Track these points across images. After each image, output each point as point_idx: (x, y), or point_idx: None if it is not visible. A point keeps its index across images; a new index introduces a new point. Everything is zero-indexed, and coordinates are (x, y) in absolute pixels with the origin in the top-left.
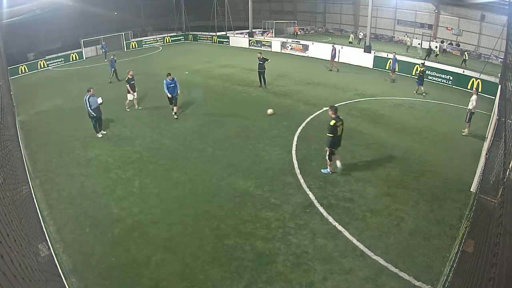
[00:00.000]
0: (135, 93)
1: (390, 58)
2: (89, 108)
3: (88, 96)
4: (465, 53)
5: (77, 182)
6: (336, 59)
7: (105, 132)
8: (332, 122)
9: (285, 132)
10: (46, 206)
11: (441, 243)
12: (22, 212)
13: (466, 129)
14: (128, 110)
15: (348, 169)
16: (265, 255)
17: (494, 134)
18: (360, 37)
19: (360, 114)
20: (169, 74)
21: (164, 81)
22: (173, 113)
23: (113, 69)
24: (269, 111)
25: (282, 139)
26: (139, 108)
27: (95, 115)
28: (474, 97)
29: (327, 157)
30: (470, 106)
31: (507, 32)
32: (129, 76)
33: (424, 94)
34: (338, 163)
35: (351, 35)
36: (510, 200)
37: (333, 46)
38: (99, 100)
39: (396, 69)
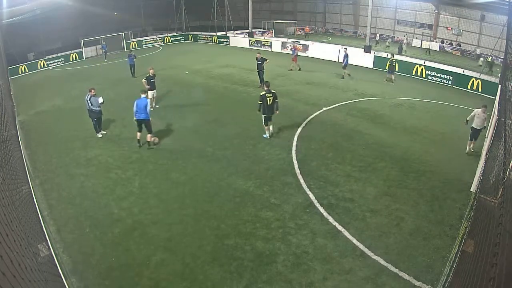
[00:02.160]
0: (154, 92)
1: (389, 58)
2: (91, 107)
3: (89, 96)
4: (489, 58)
5: (77, 182)
6: (299, 57)
7: (105, 132)
8: (262, 93)
9: (285, 132)
10: (46, 206)
11: (441, 243)
12: (22, 212)
13: (467, 147)
14: (152, 109)
15: (348, 169)
16: (265, 255)
17: (494, 134)
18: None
19: (360, 114)
20: (143, 92)
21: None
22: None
23: (130, 64)
24: (154, 139)
25: (282, 139)
26: (156, 106)
27: (98, 109)
28: (478, 112)
29: (263, 122)
30: (480, 125)
31: (507, 32)
32: (150, 73)
33: (393, 81)
34: (267, 133)
35: (389, 40)
36: (510, 200)
37: (294, 45)
38: (100, 100)
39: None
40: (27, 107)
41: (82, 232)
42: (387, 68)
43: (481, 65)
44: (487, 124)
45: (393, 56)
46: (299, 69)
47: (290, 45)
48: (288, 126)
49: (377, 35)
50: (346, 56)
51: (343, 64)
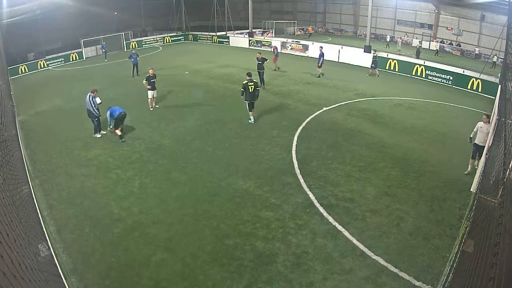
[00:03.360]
0: (154, 92)
1: (390, 58)
2: (95, 109)
3: (91, 96)
4: (495, 56)
5: (77, 182)
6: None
7: (104, 132)
8: (245, 82)
9: (285, 132)
10: (46, 206)
11: (441, 243)
12: (22, 212)
13: (469, 166)
14: (152, 109)
15: (348, 169)
16: (265, 255)
17: (494, 134)
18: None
19: (360, 114)
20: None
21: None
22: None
23: (134, 63)
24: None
25: (282, 139)
26: (157, 106)
27: (99, 114)
28: (480, 125)
29: (247, 108)
30: (482, 141)
31: (507, 32)
32: (150, 73)
33: (378, 75)
34: (252, 118)
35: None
36: (510, 200)
37: (273, 45)
38: (98, 100)
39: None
40: (27, 107)
41: (82, 232)
42: (371, 63)
43: (423, 51)
44: (490, 120)
45: (376, 52)
46: (276, 69)
47: (271, 46)
48: (288, 126)
49: (388, 36)
50: (322, 55)
51: (318, 63)
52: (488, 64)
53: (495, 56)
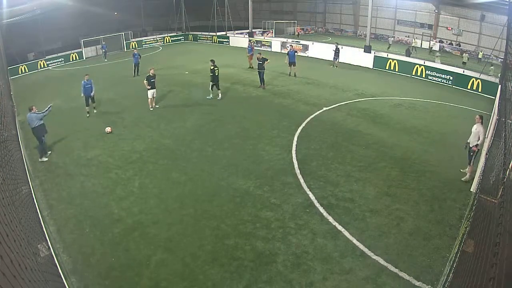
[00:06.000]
0: (154, 91)
1: (390, 58)
2: (45, 115)
3: (34, 112)
4: (481, 52)
5: (77, 182)
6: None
7: (49, 152)
8: (211, 67)
9: (285, 132)
10: (46, 206)
11: (441, 243)
12: (22, 212)
13: (467, 172)
14: (152, 109)
15: (348, 169)
16: (265, 255)
17: (494, 134)
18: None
19: (360, 114)
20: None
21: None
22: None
23: (135, 63)
24: (107, 129)
25: (282, 139)
26: (157, 106)
27: (41, 123)
28: (475, 127)
29: (209, 87)
30: (472, 141)
31: (507, 32)
32: (150, 73)
33: (336, 66)
34: (212, 95)
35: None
36: (510, 200)
37: (251, 42)
38: (47, 111)
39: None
40: (27, 107)
41: (82, 232)
42: (334, 54)
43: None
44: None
45: (338, 43)
46: (251, 67)
47: (249, 44)
48: (288, 126)
49: (392, 38)
50: (294, 54)
51: (290, 61)
52: (474, 60)
53: (480, 53)
